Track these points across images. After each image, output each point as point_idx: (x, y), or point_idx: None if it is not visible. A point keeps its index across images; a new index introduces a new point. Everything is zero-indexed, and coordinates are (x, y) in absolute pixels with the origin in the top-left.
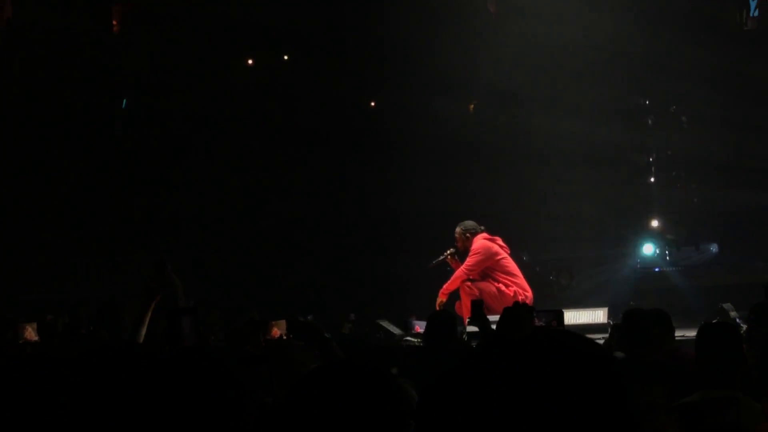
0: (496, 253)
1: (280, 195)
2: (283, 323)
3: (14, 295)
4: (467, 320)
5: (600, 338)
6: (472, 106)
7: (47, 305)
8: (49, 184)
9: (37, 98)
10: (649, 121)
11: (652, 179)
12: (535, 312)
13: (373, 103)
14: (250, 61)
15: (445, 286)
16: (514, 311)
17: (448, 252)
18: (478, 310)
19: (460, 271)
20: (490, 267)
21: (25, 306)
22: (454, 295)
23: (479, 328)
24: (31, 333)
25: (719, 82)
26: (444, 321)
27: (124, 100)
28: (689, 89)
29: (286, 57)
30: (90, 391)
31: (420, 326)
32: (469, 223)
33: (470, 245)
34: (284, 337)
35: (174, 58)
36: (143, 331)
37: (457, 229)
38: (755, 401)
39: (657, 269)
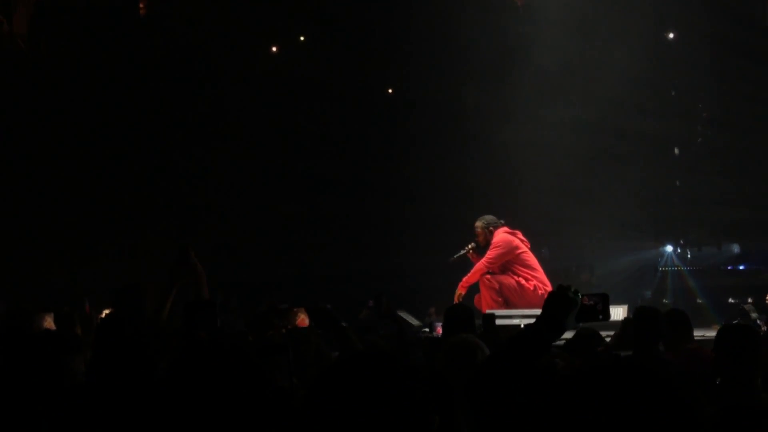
0: (517, 247)
1: (302, 183)
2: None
3: (32, 281)
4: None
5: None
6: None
7: (65, 289)
8: (70, 167)
9: (61, 79)
10: (676, 119)
11: (678, 182)
12: (581, 294)
13: (390, 90)
14: (273, 49)
15: (464, 279)
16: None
17: (469, 246)
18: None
19: (481, 264)
20: (510, 260)
21: (43, 292)
22: (474, 288)
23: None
24: (50, 323)
25: (745, 78)
26: (461, 314)
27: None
28: (716, 85)
29: (302, 38)
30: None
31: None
32: (490, 218)
33: (491, 239)
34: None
35: (198, 43)
36: (164, 315)
37: (478, 224)
38: None
39: (678, 268)
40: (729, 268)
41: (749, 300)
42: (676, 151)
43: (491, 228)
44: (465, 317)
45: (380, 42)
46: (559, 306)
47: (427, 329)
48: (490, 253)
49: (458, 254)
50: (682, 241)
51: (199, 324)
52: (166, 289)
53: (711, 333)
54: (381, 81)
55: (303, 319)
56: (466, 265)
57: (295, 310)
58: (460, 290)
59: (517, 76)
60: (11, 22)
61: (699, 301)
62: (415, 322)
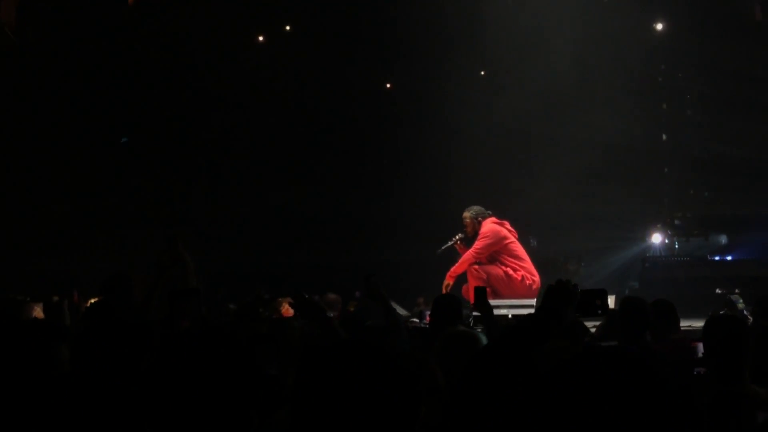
0: (505, 237)
1: (290, 175)
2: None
3: (21, 270)
4: (473, 305)
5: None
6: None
7: (53, 278)
8: (60, 156)
9: (50, 68)
10: (663, 106)
11: (666, 169)
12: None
13: (389, 85)
14: (260, 38)
15: (452, 269)
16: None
17: (457, 237)
18: (482, 297)
19: (469, 254)
20: (498, 251)
21: (30, 279)
22: (462, 279)
23: (482, 315)
24: (39, 312)
25: (733, 75)
26: (449, 304)
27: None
28: (703, 80)
29: (288, 27)
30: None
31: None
32: (478, 208)
33: (480, 229)
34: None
35: (187, 32)
36: (152, 305)
37: (466, 214)
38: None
39: (665, 259)
40: (716, 258)
41: (736, 290)
42: (664, 137)
43: (479, 218)
44: (453, 307)
45: (370, 36)
46: (559, 298)
47: (416, 319)
48: (478, 244)
49: (446, 245)
50: (669, 232)
51: (183, 312)
52: (153, 278)
53: (697, 323)
54: (374, 75)
55: (287, 309)
56: (453, 255)
57: (279, 299)
58: (448, 280)
59: (502, 65)
60: None
61: (686, 291)
62: (403, 312)
